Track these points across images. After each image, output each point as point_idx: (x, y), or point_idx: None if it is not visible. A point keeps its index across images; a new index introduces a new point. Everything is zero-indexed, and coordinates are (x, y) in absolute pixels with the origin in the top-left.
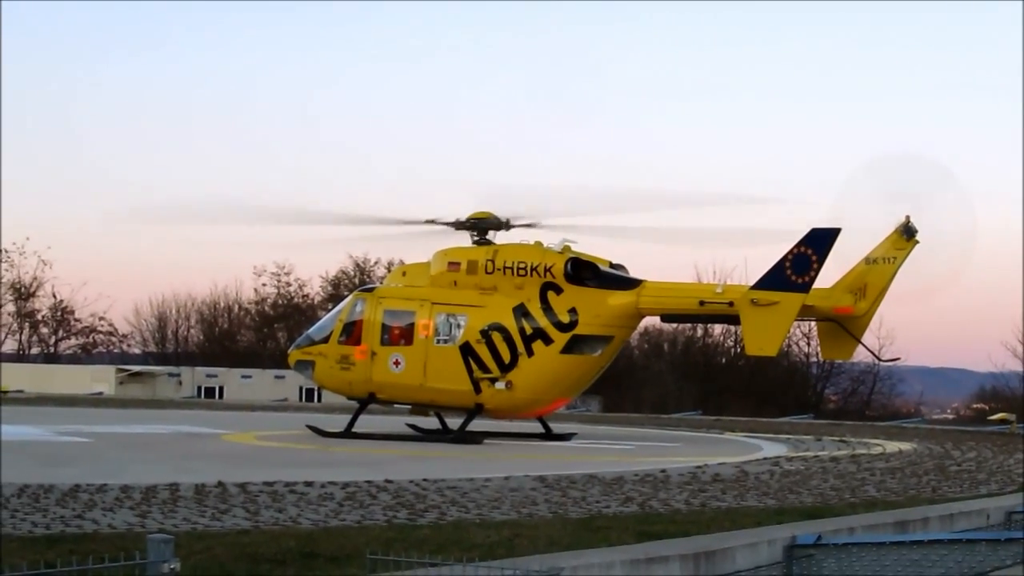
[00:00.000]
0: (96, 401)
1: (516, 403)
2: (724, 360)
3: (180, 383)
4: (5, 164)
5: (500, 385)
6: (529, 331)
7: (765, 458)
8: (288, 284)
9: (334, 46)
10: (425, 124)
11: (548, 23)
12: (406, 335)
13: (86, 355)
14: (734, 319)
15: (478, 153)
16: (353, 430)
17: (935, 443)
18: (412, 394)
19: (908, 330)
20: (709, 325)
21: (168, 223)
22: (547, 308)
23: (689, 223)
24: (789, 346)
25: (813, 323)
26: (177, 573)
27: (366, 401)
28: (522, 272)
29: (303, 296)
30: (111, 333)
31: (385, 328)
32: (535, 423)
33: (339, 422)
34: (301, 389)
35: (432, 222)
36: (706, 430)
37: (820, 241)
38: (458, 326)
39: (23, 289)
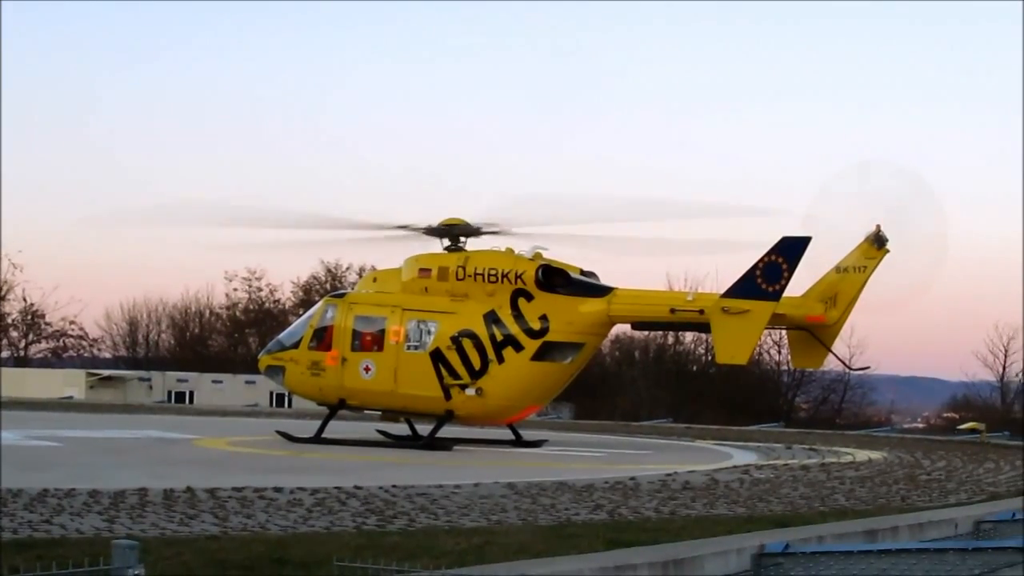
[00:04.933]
0: (66, 405)
1: (487, 410)
2: (695, 368)
3: (151, 388)
4: None
5: (471, 392)
6: (500, 338)
7: (735, 466)
8: (259, 289)
9: (322, 47)
10: (401, 129)
11: (533, 29)
12: (377, 341)
13: (57, 359)
14: (705, 327)
15: (456, 159)
16: (323, 436)
17: (905, 452)
18: (383, 400)
19: (879, 339)
20: (680, 333)
21: (140, 226)
22: (518, 315)
23: (662, 231)
24: (760, 354)
25: (784, 331)
26: None
27: (336, 407)
28: (493, 279)
29: (274, 301)
30: (82, 337)
31: (356, 334)
32: (506, 430)
33: (309, 428)
34: (272, 394)
35: (404, 227)
36: (677, 438)
37: (791, 250)
38: (429, 332)
39: None
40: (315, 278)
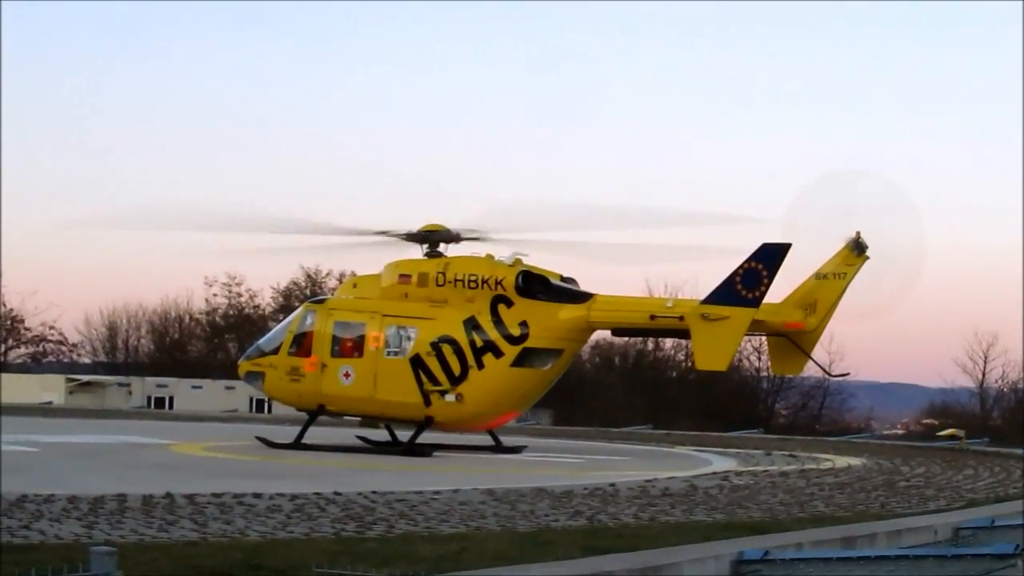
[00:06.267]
0: (45, 410)
1: (466, 416)
2: (675, 374)
3: (130, 393)
4: None
5: (450, 398)
6: (479, 344)
7: (714, 472)
8: (239, 295)
9: (316, 52)
10: (391, 134)
11: (522, 36)
12: (356, 347)
13: (36, 364)
14: (684, 333)
15: (439, 165)
16: (303, 441)
17: (884, 458)
18: (362, 406)
19: (858, 345)
20: (660, 339)
21: (118, 229)
22: (498, 321)
23: (643, 238)
24: (739, 360)
25: (763, 338)
26: None
27: (316, 413)
28: (473, 285)
29: (254, 307)
30: (61, 342)
31: (335, 340)
32: (485, 436)
33: (289, 433)
34: (251, 400)
35: (383, 233)
36: (656, 444)
37: (771, 256)
38: (408, 338)
39: None
40: (295, 283)
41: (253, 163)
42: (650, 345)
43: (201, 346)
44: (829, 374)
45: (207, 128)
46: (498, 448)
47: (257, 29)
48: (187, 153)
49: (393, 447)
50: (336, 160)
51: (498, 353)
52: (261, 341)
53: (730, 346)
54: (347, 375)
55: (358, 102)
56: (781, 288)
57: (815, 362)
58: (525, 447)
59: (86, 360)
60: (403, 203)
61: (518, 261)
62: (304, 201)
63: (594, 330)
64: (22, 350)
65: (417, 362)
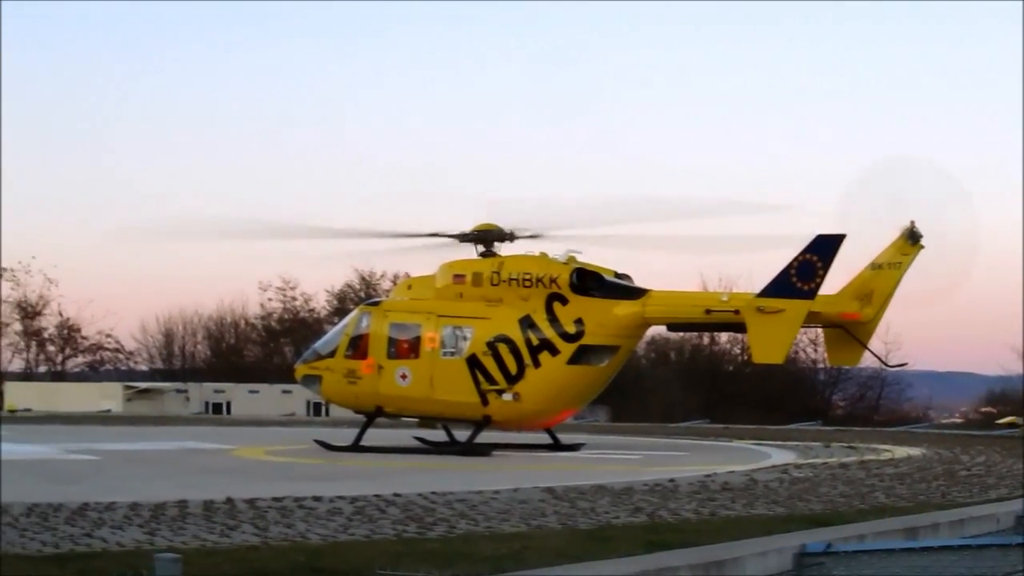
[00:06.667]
0: (104, 418)
1: (523, 414)
2: (731, 368)
3: (187, 399)
4: (10, 180)
5: (507, 397)
6: (535, 342)
7: (774, 466)
8: (294, 299)
9: (334, 52)
10: (429, 135)
11: (549, 25)
12: (413, 348)
13: (93, 372)
14: (740, 327)
15: (485, 165)
16: (361, 444)
17: (944, 448)
18: (419, 407)
19: (915, 335)
20: (715, 333)
21: (172, 240)
22: (553, 319)
23: (694, 231)
24: (796, 352)
25: (820, 329)
26: None
27: (373, 415)
28: (527, 283)
29: (309, 310)
30: (118, 350)
31: (391, 341)
32: (543, 434)
33: (347, 436)
34: (308, 403)
35: (437, 235)
36: (714, 438)
37: (825, 247)
38: (464, 338)
39: (29, 308)
40: (349, 286)
41: (267, 167)
42: (706, 339)
43: (257, 351)
44: (886, 364)
45: (216, 131)
46: (556, 446)
47: (266, 29)
48: (202, 159)
49: (451, 447)
50: (351, 163)
51: (554, 351)
52: (317, 344)
53: (786, 338)
54: (404, 376)
55: (380, 105)
56: (837, 279)
57: (872, 353)
58: (583, 444)
59: (143, 367)
60: (423, 203)
61: (572, 259)
62: (316, 203)
63: (649, 326)
64: (79, 359)
65: (474, 362)
